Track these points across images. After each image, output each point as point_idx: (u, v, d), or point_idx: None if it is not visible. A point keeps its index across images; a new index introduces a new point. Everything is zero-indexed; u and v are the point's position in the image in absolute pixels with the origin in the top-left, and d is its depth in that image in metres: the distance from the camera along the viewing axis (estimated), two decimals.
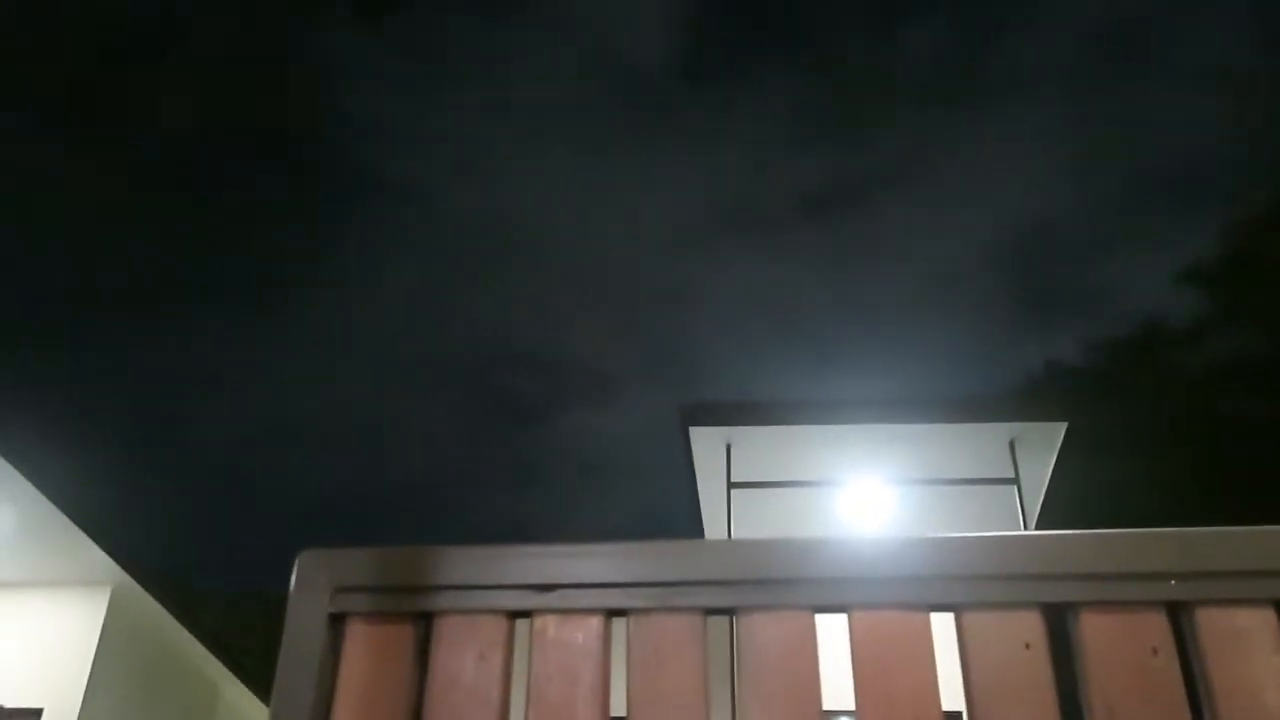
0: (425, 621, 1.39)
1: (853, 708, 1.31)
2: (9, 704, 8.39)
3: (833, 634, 1.44)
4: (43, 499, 8.17)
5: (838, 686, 1.42)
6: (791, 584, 1.37)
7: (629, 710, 1.33)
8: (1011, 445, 7.17)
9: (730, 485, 7.24)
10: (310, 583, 1.42)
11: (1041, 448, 7.16)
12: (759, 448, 7.31)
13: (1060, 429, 7.05)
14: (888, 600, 1.35)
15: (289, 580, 1.44)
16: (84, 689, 8.89)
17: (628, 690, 1.34)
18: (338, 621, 1.40)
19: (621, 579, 1.39)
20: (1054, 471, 7.34)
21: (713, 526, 7.77)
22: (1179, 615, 1.32)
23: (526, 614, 1.39)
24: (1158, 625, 1.31)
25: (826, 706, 1.33)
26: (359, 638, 1.39)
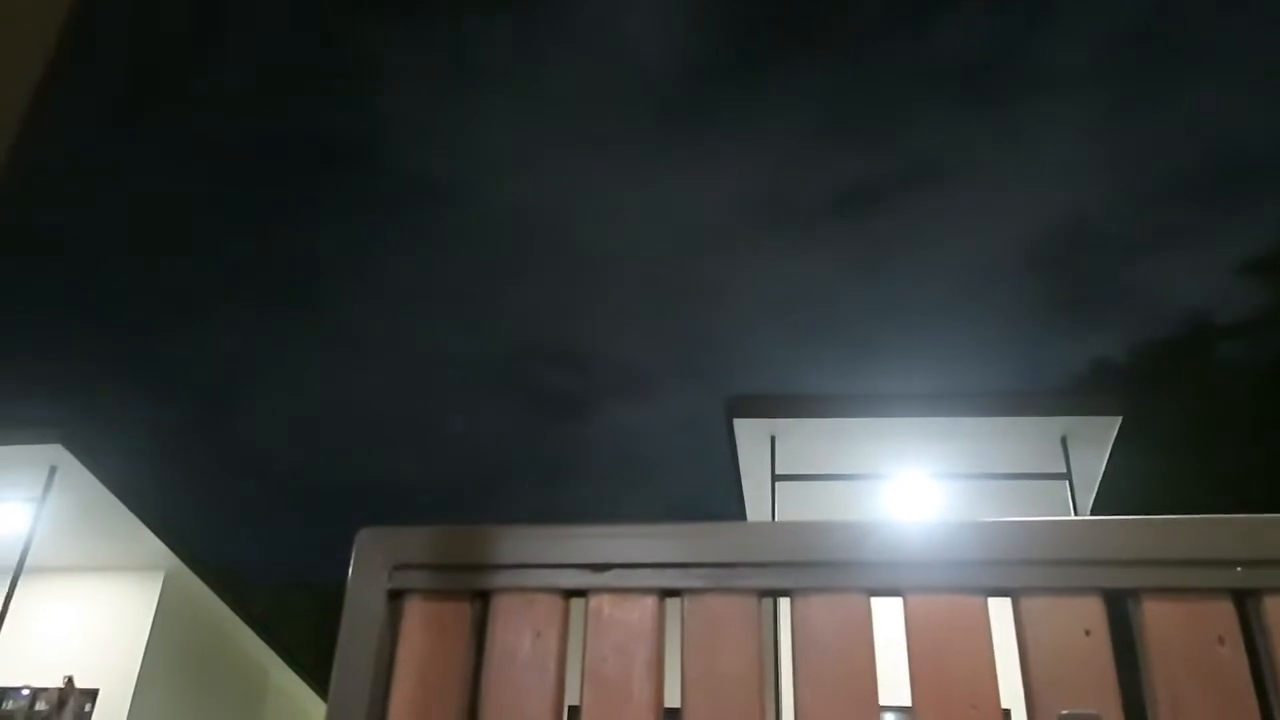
0: (482, 599, 1.42)
1: (903, 702, 1.30)
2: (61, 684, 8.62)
3: (887, 621, 1.44)
4: (100, 487, 8.40)
5: (890, 679, 1.42)
6: (846, 567, 1.36)
7: (683, 690, 1.34)
8: (1063, 440, 7.06)
9: (775, 478, 7.22)
10: (369, 560, 1.45)
11: (1094, 442, 7.04)
12: (804, 440, 7.28)
13: (1114, 423, 6.92)
14: (943, 584, 1.34)
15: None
16: (138, 671, 9.11)
17: (682, 670, 1.35)
18: (396, 598, 1.43)
19: (676, 559, 1.39)
20: (1107, 466, 7.22)
21: (757, 519, 7.75)
22: (1245, 603, 1.29)
23: (582, 593, 1.40)
24: (1224, 613, 1.29)
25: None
26: (417, 615, 1.42)
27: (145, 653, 9.22)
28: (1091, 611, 1.31)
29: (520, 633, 1.38)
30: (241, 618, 10.72)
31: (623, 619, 1.38)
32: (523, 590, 1.41)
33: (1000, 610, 1.35)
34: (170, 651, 9.64)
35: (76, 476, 8.21)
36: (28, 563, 7.94)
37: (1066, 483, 7.04)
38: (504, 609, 1.40)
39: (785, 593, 1.37)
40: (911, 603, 1.34)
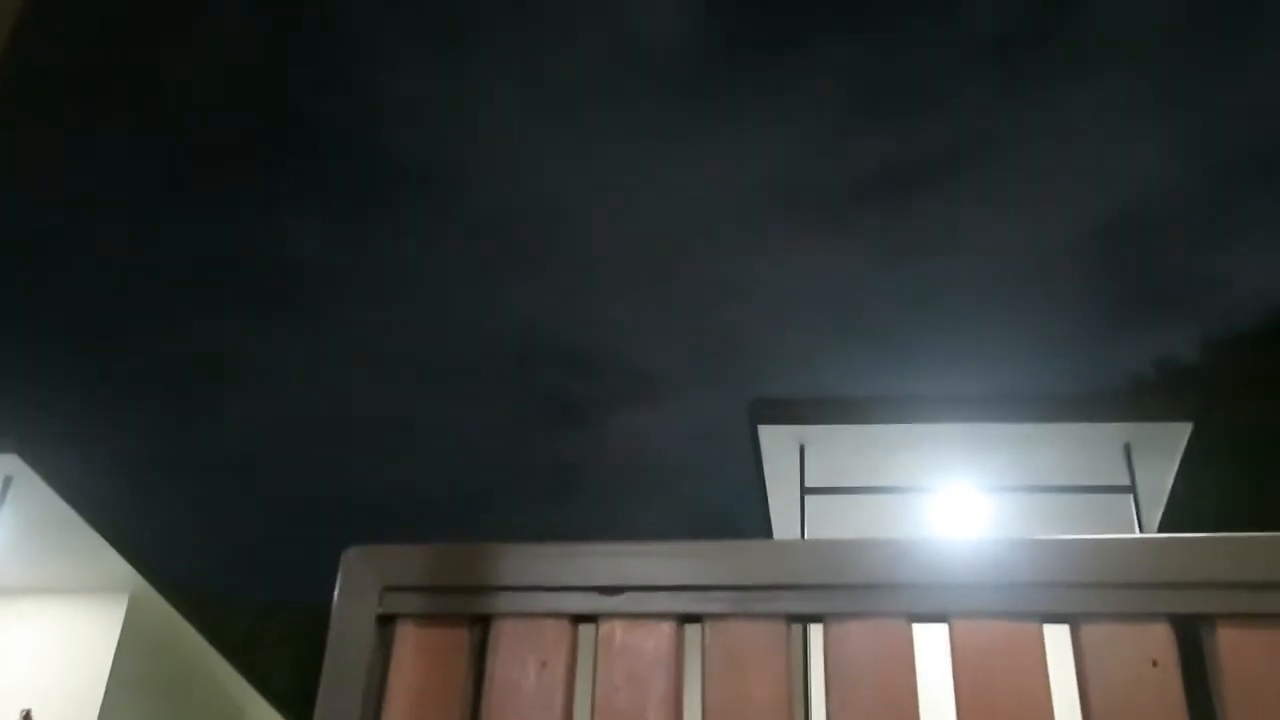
0: (482, 625, 1.42)
1: None
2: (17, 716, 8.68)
3: (930, 650, 1.44)
4: (59, 501, 8.45)
5: (934, 714, 1.41)
6: (885, 589, 1.36)
7: None
8: (1127, 449, 7.01)
9: (804, 490, 7.20)
10: (357, 582, 1.46)
11: (1162, 452, 6.99)
12: (836, 449, 7.26)
13: (1184, 430, 6.87)
14: (994, 609, 1.34)
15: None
16: (100, 703, 9.16)
17: (703, 704, 1.35)
18: (387, 624, 1.43)
19: (696, 581, 1.40)
20: (1176, 478, 7.17)
21: (784, 536, 7.74)
22: None
23: (592, 618, 1.41)
24: None
25: None
26: (410, 641, 1.43)
27: (108, 683, 9.27)
28: (1159, 640, 1.31)
29: (524, 662, 1.39)
30: (214, 645, 10.77)
31: (637, 647, 1.38)
32: (526, 615, 1.41)
33: (1057, 638, 1.35)
34: (135, 682, 9.69)
35: (32, 490, 8.26)
36: None
37: (1131, 496, 7.00)
38: (506, 636, 1.41)
39: (817, 618, 1.37)
40: (958, 629, 1.34)
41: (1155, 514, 7.34)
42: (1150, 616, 1.31)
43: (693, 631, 1.39)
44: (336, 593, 1.45)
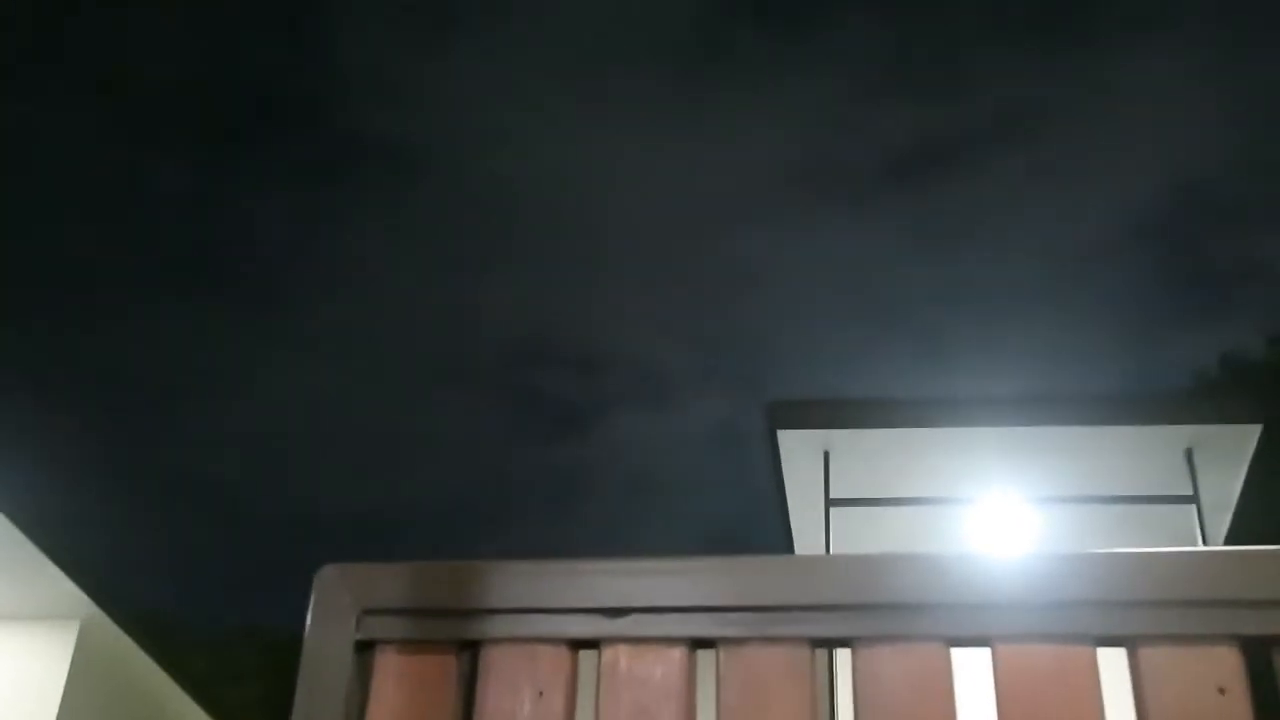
0: (471, 651, 1.43)
1: None
2: None
3: (971, 677, 1.44)
4: (1, 519, 8.47)
5: None
6: (921, 610, 1.37)
7: None
8: (1188, 454, 7.01)
9: (829, 502, 7.20)
10: (332, 604, 1.46)
11: (1228, 456, 6.98)
12: (865, 456, 7.26)
13: (1253, 433, 6.87)
14: (1042, 631, 1.34)
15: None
16: None
17: None
18: (365, 651, 1.44)
19: (710, 602, 1.40)
20: (1244, 486, 7.16)
21: (807, 552, 7.74)
22: None
23: (594, 643, 1.41)
24: None
25: None
26: (391, 670, 1.43)
27: (58, 718, 9.29)
28: (1226, 664, 1.30)
29: (518, 692, 1.39)
30: (175, 677, 10.79)
31: (644, 675, 1.38)
32: (521, 640, 1.41)
33: (1113, 663, 1.34)
34: (88, 717, 9.71)
35: None
36: None
37: (1194, 506, 6.99)
38: (498, 663, 1.41)
39: (845, 642, 1.37)
40: (1002, 654, 1.34)
41: (1221, 525, 7.33)
42: (1216, 638, 1.31)
43: (706, 658, 1.40)
44: (309, 617, 1.46)
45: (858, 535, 7.31)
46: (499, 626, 1.42)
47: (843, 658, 1.40)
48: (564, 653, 1.41)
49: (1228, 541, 7.35)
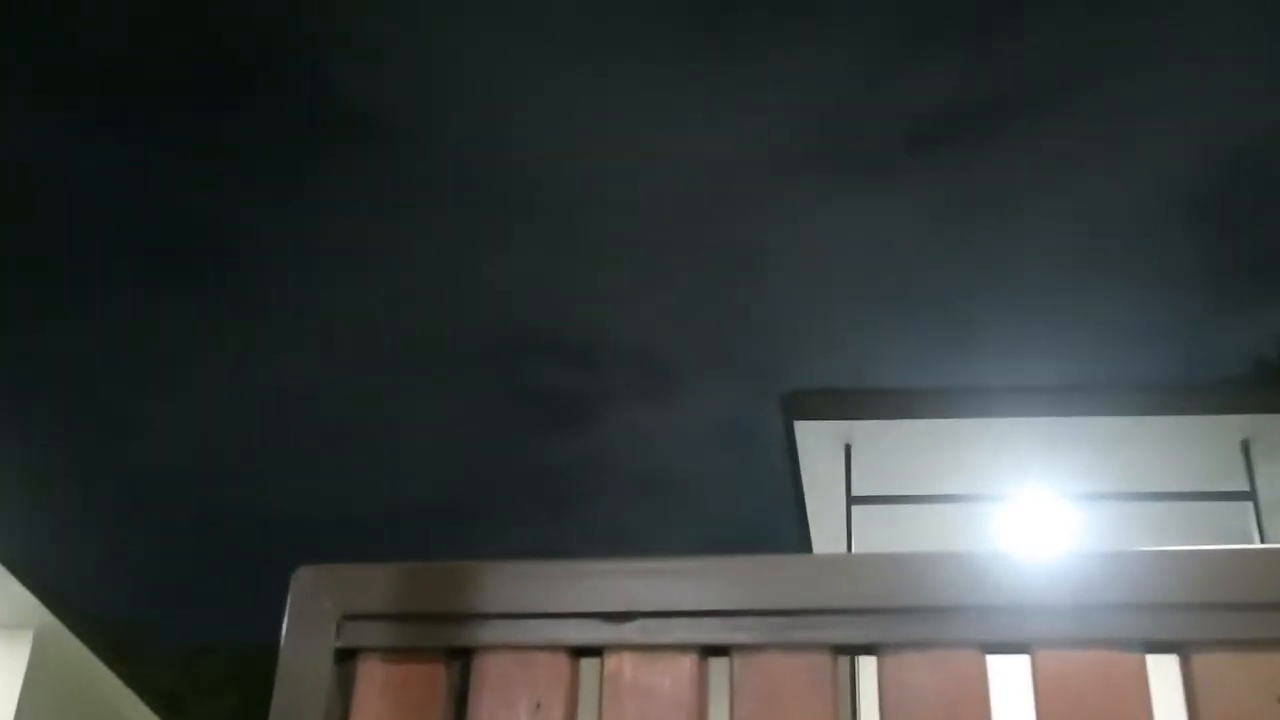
0: (462, 660, 1.43)
1: None
2: None
3: (1008, 685, 1.44)
4: None
5: None
6: (954, 613, 1.37)
7: None
8: (1244, 446, 7.02)
9: (850, 500, 7.21)
10: (311, 609, 1.46)
11: None
12: (889, 449, 7.27)
13: None
14: (1086, 636, 1.34)
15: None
16: None
17: None
18: (347, 660, 1.44)
19: (723, 605, 1.40)
20: None
21: (826, 552, 7.76)
22: None
23: (596, 651, 1.41)
24: None
25: None
26: (375, 681, 1.43)
27: None
28: None
29: (514, 703, 1.39)
30: (138, 692, 10.83)
31: (651, 686, 1.38)
32: (517, 648, 1.41)
33: (1163, 670, 1.34)
34: None
35: None
36: None
37: (1250, 503, 7.00)
38: (491, 672, 1.41)
39: (870, 648, 1.38)
40: (1042, 661, 1.34)
41: (1279, 523, 7.34)
42: (1276, 644, 1.31)
43: (718, 666, 1.40)
44: (285, 623, 1.46)
45: (881, 536, 7.32)
46: (493, 632, 1.42)
47: (867, 666, 1.41)
48: (563, 661, 1.41)
49: None
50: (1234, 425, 6.97)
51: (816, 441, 7.25)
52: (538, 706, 1.39)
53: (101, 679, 10.43)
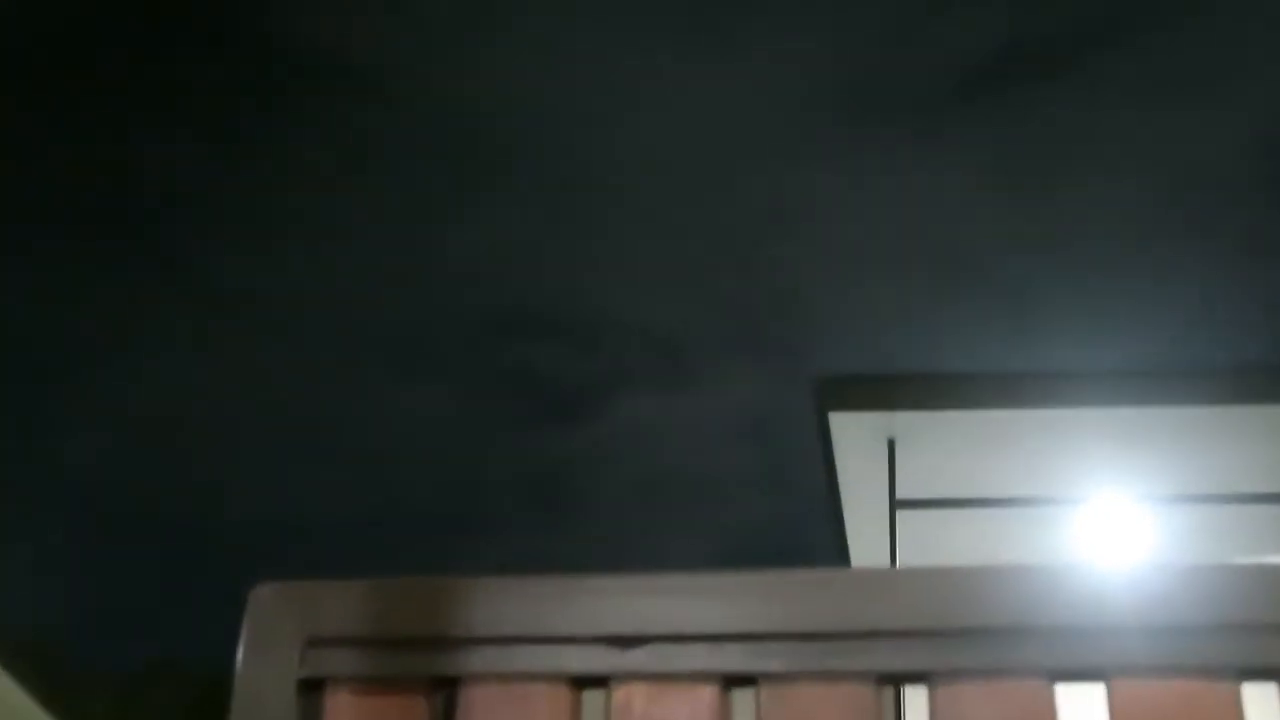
0: (446, 691, 1.43)
1: None
2: None
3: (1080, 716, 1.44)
4: None
5: None
6: (1017, 636, 1.37)
7: None
8: None
9: (894, 504, 7.22)
10: (270, 632, 1.46)
11: None
12: (938, 445, 7.27)
13: None
14: (1170, 662, 1.35)
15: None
16: None
17: None
18: (313, 690, 1.44)
19: (747, 628, 1.40)
20: None
21: (867, 564, 7.77)
22: None
23: (601, 681, 1.41)
24: None
25: None
26: (344, 715, 1.44)
27: None
28: None
29: None
30: None
31: (665, 719, 1.38)
32: (508, 677, 1.42)
33: (1261, 701, 1.34)
34: None
35: None
36: None
37: None
38: (480, 705, 1.41)
39: (920, 677, 1.38)
40: (1120, 690, 1.34)
41: None
42: None
43: (743, 699, 1.40)
44: (241, 648, 1.46)
45: (930, 545, 7.33)
46: (481, 659, 1.43)
47: (916, 697, 1.41)
48: (563, 692, 1.41)
49: None
50: None
51: (855, 436, 7.25)
52: None
53: (28, 712, 10.49)
